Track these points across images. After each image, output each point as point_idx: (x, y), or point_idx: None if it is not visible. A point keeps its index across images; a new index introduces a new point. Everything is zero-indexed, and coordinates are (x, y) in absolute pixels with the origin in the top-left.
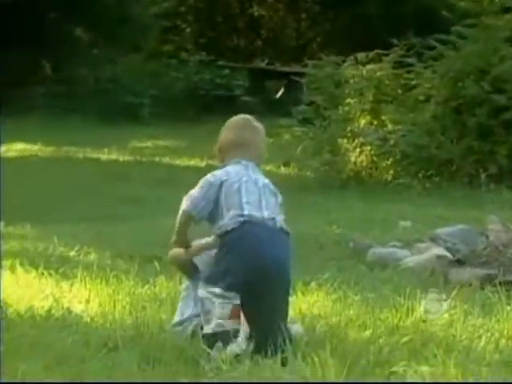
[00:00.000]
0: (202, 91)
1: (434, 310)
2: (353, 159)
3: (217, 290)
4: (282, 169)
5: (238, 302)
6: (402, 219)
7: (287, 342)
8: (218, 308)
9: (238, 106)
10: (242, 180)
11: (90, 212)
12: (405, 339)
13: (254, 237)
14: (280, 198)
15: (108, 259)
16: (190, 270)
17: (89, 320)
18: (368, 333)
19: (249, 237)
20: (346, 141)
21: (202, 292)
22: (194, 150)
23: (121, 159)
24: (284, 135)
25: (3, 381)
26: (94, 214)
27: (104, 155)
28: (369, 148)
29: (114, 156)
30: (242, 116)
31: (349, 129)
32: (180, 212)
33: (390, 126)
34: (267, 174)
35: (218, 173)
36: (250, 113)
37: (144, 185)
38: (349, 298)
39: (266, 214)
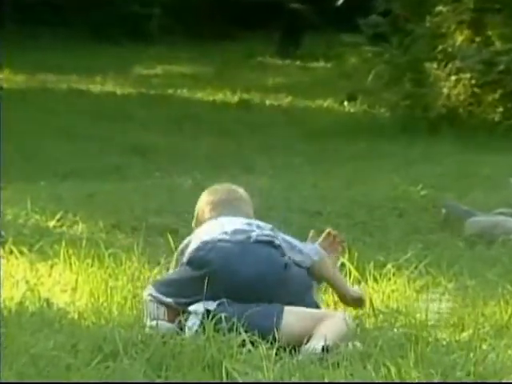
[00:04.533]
0: None
1: (435, 310)
2: (445, 91)
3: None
4: (346, 105)
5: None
6: None
7: None
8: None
9: (284, 17)
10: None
11: (77, 166)
12: None
13: (220, 249)
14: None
15: (102, 231)
16: None
17: (76, 316)
18: (466, 334)
19: (215, 250)
20: (435, 65)
21: None
22: (222, 79)
23: (119, 92)
24: (349, 58)
25: (3, 381)
26: (82, 168)
27: (96, 86)
28: (468, 75)
29: (109, 87)
30: (224, 184)
31: (440, 48)
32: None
33: (497, 45)
34: (325, 111)
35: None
36: (301, 26)
37: (152, 128)
38: (440, 285)
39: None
